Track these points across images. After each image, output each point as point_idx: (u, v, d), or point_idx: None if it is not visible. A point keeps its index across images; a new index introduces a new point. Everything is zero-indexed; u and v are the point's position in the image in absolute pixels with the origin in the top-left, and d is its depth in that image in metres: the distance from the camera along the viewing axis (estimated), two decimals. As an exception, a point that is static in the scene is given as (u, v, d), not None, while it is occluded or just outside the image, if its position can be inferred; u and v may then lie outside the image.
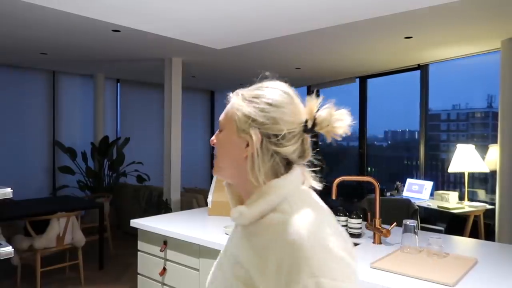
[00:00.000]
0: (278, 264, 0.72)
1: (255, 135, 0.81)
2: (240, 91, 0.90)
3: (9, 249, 1.85)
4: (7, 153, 5.65)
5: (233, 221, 0.86)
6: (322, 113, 0.84)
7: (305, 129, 0.84)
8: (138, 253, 2.54)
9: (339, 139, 0.86)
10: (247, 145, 0.82)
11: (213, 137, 0.92)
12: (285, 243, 0.72)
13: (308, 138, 0.87)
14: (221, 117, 0.91)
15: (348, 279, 0.71)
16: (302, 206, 0.79)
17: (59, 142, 6.12)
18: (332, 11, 3.37)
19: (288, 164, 0.85)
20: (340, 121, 0.84)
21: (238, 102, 0.87)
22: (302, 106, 0.86)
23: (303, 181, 0.87)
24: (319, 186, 0.90)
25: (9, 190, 1.91)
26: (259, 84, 0.89)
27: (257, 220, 0.81)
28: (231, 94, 0.91)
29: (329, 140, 0.86)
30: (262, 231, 0.79)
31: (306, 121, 0.84)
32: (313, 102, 0.84)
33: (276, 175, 0.83)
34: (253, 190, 0.82)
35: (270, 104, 0.83)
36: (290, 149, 0.82)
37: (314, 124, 0.83)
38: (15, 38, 4.29)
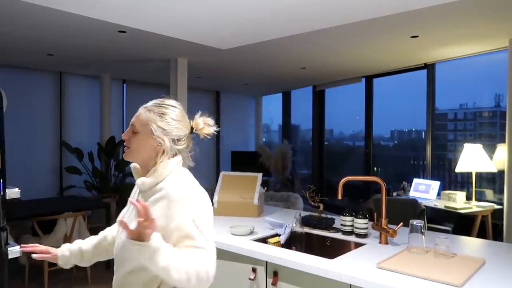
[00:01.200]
0: (165, 213, 1.20)
1: (167, 140, 1.30)
2: (149, 108, 1.33)
3: (17, 248, 1.87)
4: (14, 154, 5.70)
5: (138, 188, 1.32)
6: (199, 121, 1.37)
7: (191, 131, 1.38)
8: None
9: (209, 137, 1.39)
10: (159, 144, 1.29)
11: (125, 135, 1.32)
12: (170, 199, 1.22)
13: (191, 136, 1.38)
14: (136, 123, 1.31)
15: (206, 219, 1.23)
16: (178, 177, 1.29)
17: (66, 142, 6.17)
18: (337, 10, 3.37)
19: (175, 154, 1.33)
20: (207, 126, 1.38)
21: (151, 116, 1.30)
22: (187, 117, 1.38)
23: (182, 163, 1.35)
24: (192, 164, 1.41)
25: (17, 190, 1.93)
26: (163, 102, 1.35)
27: (152, 187, 1.27)
28: (141, 110, 1.34)
29: (202, 137, 1.39)
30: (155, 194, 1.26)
31: (192, 127, 1.37)
32: (197, 116, 1.38)
33: (168, 159, 1.31)
34: (150, 168, 1.30)
35: (173, 120, 1.32)
36: (183, 145, 1.35)
37: (193, 129, 1.37)
38: (22, 39, 4.33)
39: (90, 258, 1.51)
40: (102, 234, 1.55)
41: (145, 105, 1.34)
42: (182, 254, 1.13)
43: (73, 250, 1.49)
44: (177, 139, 1.32)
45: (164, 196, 1.23)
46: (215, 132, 1.40)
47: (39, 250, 1.45)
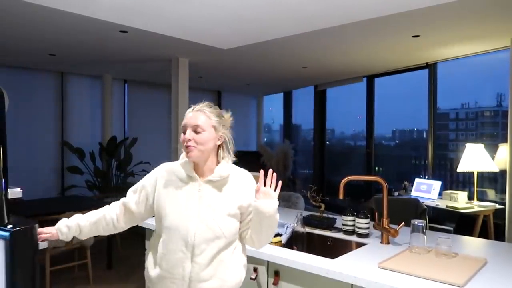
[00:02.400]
0: (247, 189, 1.60)
1: (228, 135, 1.58)
2: (207, 110, 1.54)
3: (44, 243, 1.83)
4: (16, 154, 5.70)
5: (212, 180, 1.54)
6: (228, 115, 1.64)
7: None
8: (146, 252, 2.54)
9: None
10: (220, 139, 1.55)
11: (189, 136, 1.49)
12: (249, 180, 1.64)
13: None
14: (200, 123, 1.50)
15: None
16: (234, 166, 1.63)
17: (68, 142, 6.18)
18: (339, 10, 3.36)
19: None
20: (226, 113, 1.63)
21: (213, 116, 1.54)
22: None
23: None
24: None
25: (18, 190, 1.93)
26: (213, 105, 1.60)
27: (226, 176, 1.55)
28: (198, 113, 1.53)
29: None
30: (232, 180, 1.58)
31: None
32: (226, 114, 1.63)
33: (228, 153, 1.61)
34: (209, 162, 1.55)
35: (226, 119, 1.60)
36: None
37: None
38: (23, 39, 4.34)
39: (87, 234, 1.65)
40: (101, 212, 1.66)
41: (199, 109, 1.53)
42: None
43: (72, 227, 1.61)
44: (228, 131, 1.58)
45: (244, 181, 1.60)
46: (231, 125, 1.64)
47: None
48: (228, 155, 1.58)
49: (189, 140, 1.48)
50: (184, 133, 1.50)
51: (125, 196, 1.71)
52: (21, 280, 1.39)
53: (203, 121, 1.50)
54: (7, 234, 1.35)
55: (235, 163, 1.62)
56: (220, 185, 1.54)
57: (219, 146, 1.56)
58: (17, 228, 1.36)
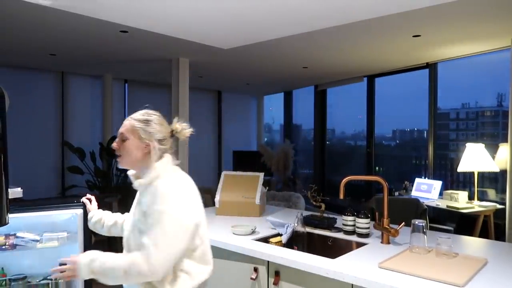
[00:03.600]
0: (149, 205, 1.41)
1: (154, 141, 1.51)
2: (134, 117, 1.55)
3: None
4: (16, 153, 5.71)
5: (137, 189, 1.54)
6: (177, 126, 1.60)
7: (171, 135, 1.59)
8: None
9: (187, 139, 1.61)
10: (146, 146, 1.50)
11: (115, 145, 1.53)
12: (155, 192, 1.42)
13: (171, 139, 1.58)
14: (124, 131, 1.52)
15: (178, 212, 1.39)
16: (168, 176, 1.48)
17: (68, 142, 6.18)
18: (339, 10, 3.36)
19: (163, 153, 1.53)
20: (184, 130, 1.60)
21: (137, 123, 1.52)
22: (166, 123, 1.59)
23: (171, 162, 1.54)
24: (178, 162, 1.58)
25: (19, 190, 1.94)
26: (145, 112, 1.58)
27: (147, 186, 1.47)
28: (126, 121, 1.55)
29: (181, 139, 1.61)
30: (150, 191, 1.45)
31: (172, 131, 1.59)
32: (174, 121, 1.61)
33: (157, 160, 1.51)
34: (145, 170, 1.50)
35: (156, 124, 1.54)
36: (167, 145, 1.56)
37: (173, 132, 1.59)
38: (24, 39, 4.34)
39: (106, 232, 1.80)
40: (113, 219, 1.80)
41: (130, 116, 1.56)
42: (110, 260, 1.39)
43: (99, 219, 1.81)
44: (162, 139, 1.53)
45: (152, 194, 1.43)
46: (193, 133, 1.62)
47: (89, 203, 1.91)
48: (153, 163, 1.49)
49: (114, 148, 1.54)
50: None
51: (125, 197, 1.76)
52: (88, 240, 2.41)
53: (127, 129, 1.52)
54: (82, 207, 2.36)
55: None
56: (143, 194, 1.49)
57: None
58: (82, 204, 2.00)
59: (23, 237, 2.30)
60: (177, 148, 6.40)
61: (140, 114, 1.56)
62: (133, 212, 1.54)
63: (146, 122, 1.53)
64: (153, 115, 1.56)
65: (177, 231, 1.38)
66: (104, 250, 1.45)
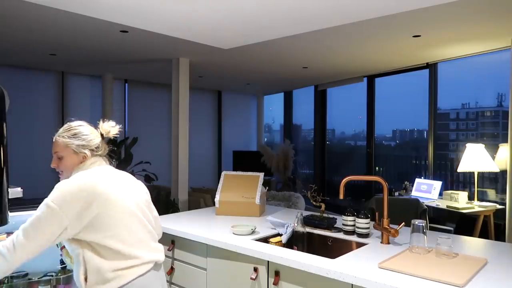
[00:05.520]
0: None
1: (88, 152, 1.58)
2: (62, 134, 1.57)
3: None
4: (16, 153, 5.71)
5: None
6: (105, 127, 1.65)
7: (102, 138, 1.65)
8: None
9: (117, 136, 1.71)
10: (84, 157, 1.57)
11: (54, 164, 1.59)
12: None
13: (104, 141, 1.66)
14: (58, 150, 1.56)
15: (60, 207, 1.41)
16: (80, 175, 1.50)
17: (68, 142, 6.18)
18: (339, 10, 3.36)
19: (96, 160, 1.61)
20: (112, 128, 1.66)
21: (67, 140, 1.56)
22: (94, 129, 1.65)
23: (98, 163, 1.61)
24: (114, 163, 1.71)
25: (19, 189, 1.94)
26: (70, 126, 1.60)
27: None
28: (56, 139, 1.58)
29: (111, 138, 1.70)
30: None
31: (102, 135, 1.65)
32: (100, 123, 1.66)
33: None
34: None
35: (86, 135, 1.60)
36: (101, 151, 1.64)
37: (103, 135, 1.65)
38: (24, 39, 4.34)
39: None
40: None
41: (57, 134, 1.59)
42: None
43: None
44: (96, 148, 1.60)
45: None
46: (120, 130, 1.71)
47: None
48: (81, 167, 1.57)
49: (54, 167, 1.59)
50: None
51: None
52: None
53: (61, 148, 1.56)
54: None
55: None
56: None
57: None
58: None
59: (23, 236, 2.31)
60: (178, 148, 6.38)
61: (66, 130, 1.59)
62: None
63: (75, 136, 1.57)
64: (79, 127, 1.61)
65: (46, 224, 1.41)
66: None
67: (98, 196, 1.43)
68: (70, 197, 1.41)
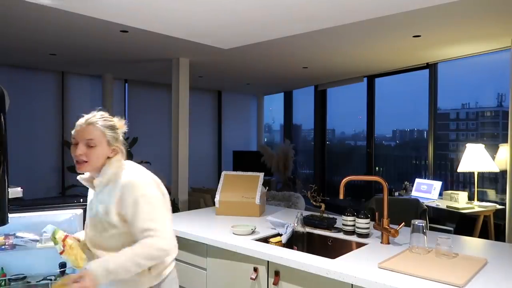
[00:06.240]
0: (124, 198, 1.45)
1: (121, 145, 1.56)
2: (99, 123, 1.52)
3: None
4: (16, 153, 5.71)
5: (95, 189, 1.55)
6: (119, 123, 1.60)
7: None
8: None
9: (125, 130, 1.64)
10: (113, 150, 1.53)
11: (80, 151, 1.47)
12: (127, 187, 1.46)
13: None
14: (92, 138, 1.48)
15: (152, 191, 1.49)
16: (127, 168, 1.53)
17: (68, 141, 6.16)
18: (339, 10, 3.36)
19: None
20: (124, 125, 1.62)
21: (105, 130, 1.52)
22: None
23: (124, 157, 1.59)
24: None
25: (19, 189, 1.93)
26: (105, 116, 1.57)
27: (108, 183, 1.51)
28: (89, 126, 1.50)
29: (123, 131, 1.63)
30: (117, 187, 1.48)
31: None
32: (116, 119, 1.62)
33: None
34: (102, 170, 1.51)
35: (117, 129, 1.57)
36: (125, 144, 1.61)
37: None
38: (24, 39, 4.34)
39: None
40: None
41: (90, 121, 1.51)
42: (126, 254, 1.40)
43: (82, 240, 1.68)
44: (123, 141, 1.59)
45: (122, 188, 1.46)
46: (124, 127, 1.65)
47: None
48: (115, 161, 1.53)
49: (81, 154, 1.47)
50: (75, 146, 1.49)
51: None
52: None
53: (96, 136, 1.49)
54: (82, 207, 2.41)
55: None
56: (104, 191, 1.51)
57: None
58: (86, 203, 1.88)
59: (22, 237, 2.30)
60: (178, 148, 6.39)
61: (103, 119, 1.54)
62: (92, 213, 1.54)
63: (113, 128, 1.55)
64: (112, 119, 1.59)
65: (160, 205, 1.49)
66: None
67: (162, 189, 1.56)
68: (155, 186, 1.52)
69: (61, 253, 1.54)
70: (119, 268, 1.37)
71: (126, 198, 1.44)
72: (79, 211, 2.40)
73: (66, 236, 1.56)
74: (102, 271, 1.35)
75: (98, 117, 1.54)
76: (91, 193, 1.63)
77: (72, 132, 1.53)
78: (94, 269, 1.35)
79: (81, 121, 1.52)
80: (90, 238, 1.56)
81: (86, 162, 1.48)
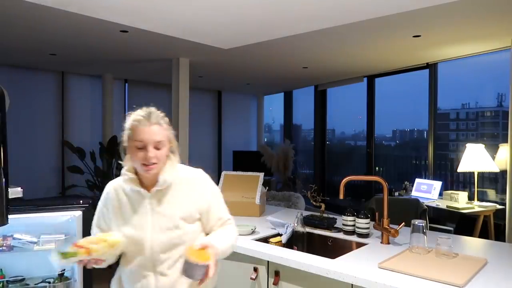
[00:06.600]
0: (201, 189, 1.55)
1: (175, 142, 1.54)
2: (162, 123, 1.47)
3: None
4: (16, 153, 5.71)
5: (159, 189, 1.48)
6: None
7: None
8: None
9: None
10: (171, 150, 1.52)
11: (153, 153, 1.41)
12: (200, 179, 1.59)
13: None
14: (162, 139, 1.45)
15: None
16: (183, 166, 1.59)
17: (68, 142, 6.18)
18: (339, 10, 3.36)
19: None
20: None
21: (168, 130, 1.50)
22: None
23: None
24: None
25: (19, 189, 1.93)
26: (161, 115, 1.51)
27: (172, 182, 1.50)
28: (155, 127, 1.44)
29: None
30: (183, 183, 1.53)
31: None
32: None
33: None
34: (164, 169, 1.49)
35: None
36: None
37: None
38: (24, 39, 4.34)
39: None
40: None
41: (154, 121, 1.44)
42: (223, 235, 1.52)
43: None
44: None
45: (196, 181, 1.55)
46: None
47: None
48: (174, 159, 1.54)
49: (153, 157, 1.41)
50: (144, 149, 1.41)
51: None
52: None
53: (163, 137, 1.46)
54: (81, 209, 2.42)
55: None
56: (169, 192, 1.49)
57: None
58: (85, 205, 2.09)
59: (20, 239, 2.27)
60: (178, 147, 6.37)
61: (162, 118, 1.48)
62: (161, 215, 1.46)
63: (168, 126, 1.52)
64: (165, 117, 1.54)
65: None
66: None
67: None
68: None
69: (61, 258, 1.30)
70: (226, 249, 1.48)
71: (204, 191, 1.54)
72: (78, 213, 2.38)
73: (74, 244, 1.36)
74: (217, 249, 1.38)
75: (160, 116, 1.48)
76: (136, 199, 1.50)
77: (130, 132, 1.44)
78: (215, 244, 1.37)
79: (143, 122, 1.43)
80: (168, 240, 1.45)
81: (156, 164, 1.43)
